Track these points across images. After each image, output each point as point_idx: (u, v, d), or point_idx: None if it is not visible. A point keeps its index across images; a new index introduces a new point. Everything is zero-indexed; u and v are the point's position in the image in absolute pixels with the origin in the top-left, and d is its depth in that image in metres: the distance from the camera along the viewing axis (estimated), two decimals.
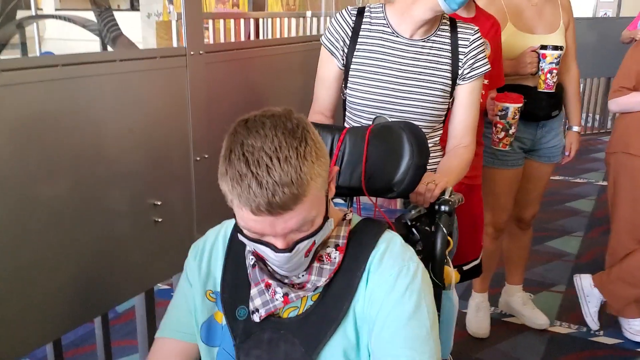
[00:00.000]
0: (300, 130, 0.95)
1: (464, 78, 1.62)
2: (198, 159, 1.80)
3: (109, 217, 1.55)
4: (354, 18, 1.62)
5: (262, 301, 1.08)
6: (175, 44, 2.96)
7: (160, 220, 1.69)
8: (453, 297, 1.44)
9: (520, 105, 2.08)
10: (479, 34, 1.64)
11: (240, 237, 1.02)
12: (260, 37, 4.69)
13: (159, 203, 1.68)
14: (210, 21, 4.42)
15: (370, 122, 1.61)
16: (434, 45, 1.61)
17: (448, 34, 1.62)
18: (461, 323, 2.70)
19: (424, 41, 1.60)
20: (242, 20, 4.43)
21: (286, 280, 1.08)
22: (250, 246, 1.04)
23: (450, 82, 1.62)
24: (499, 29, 2.21)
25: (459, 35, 1.61)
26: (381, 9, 1.63)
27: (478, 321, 2.68)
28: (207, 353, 1.16)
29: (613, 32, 5.02)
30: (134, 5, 14.35)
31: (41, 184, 1.36)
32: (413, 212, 1.45)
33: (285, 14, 5.09)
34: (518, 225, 2.72)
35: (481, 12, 2.17)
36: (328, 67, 1.66)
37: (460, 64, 1.61)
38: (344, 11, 1.63)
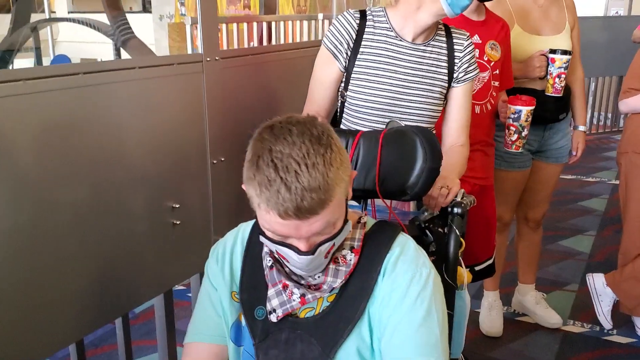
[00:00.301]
0: (325, 137, 0.98)
1: (458, 81, 1.68)
2: (214, 162, 1.84)
3: (129, 220, 1.59)
4: (358, 21, 1.63)
5: (279, 302, 1.11)
6: (189, 48, 3.02)
7: (178, 222, 1.73)
8: (465, 297, 1.47)
9: (532, 107, 2.10)
10: (470, 40, 1.69)
11: (263, 240, 1.06)
12: (273, 40, 4.73)
13: (177, 206, 1.72)
14: (224, 24, 4.47)
15: (372, 125, 1.63)
16: (434, 49, 1.65)
17: (444, 39, 1.67)
18: (474, 322, 2.72)
19: (424, 45, 1.64)
20: (254, 24, 4.47)
21: (303, 282, 1.11)
22: (272, 248, 1.07)
23: (446, 84, 1.67)
24: (508, 31, 2.23)
25: (454, 41, 1.67)
26: (383, 13, 1.65)
27: (491, 320, 2.70)
28: (234, 353, 1.20)
29: (624, 31, 5.00)
30: (146, 7, 14.46)
31: (63, 188, 1.40)
32: (426, 214, 1.48)
33: (297, 17, 5.13)
34: (528, 224, 2.74)
35: (491, 15, 2.20)
36: (328, 69, 1.66)
37: (455, 67, 1.66)
38: (346, 14, 1.65)
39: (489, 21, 2.17)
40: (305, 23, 4.71)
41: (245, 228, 1.25)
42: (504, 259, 2.78)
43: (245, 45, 4.46)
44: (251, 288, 1.17)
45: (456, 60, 1.66)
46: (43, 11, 7.82)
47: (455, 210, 1.44)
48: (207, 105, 1.79)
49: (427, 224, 1.47)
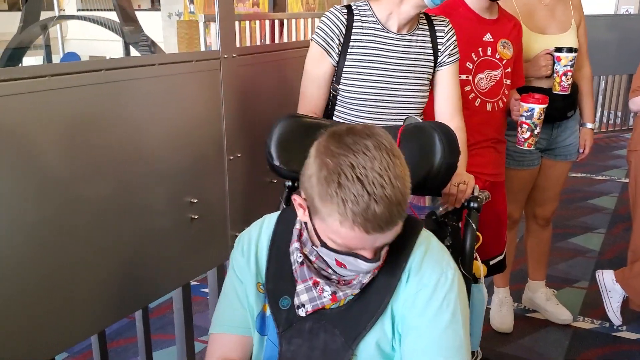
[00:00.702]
0: (395, 148, 1.00)
1: (443, 64, 1.74)
2: (231, 157, 1.86)
3: (149, 215, 1.62)
4: (345, 16, 1.67)
5: (308, 297, 1.13)
6: (202, 45, 3.04)
7: (196, 217, 1.76)
8: (483, 290, 1.49)
9: (545, 105, 2.11)
10: (450, 25, 1.77)
11: (322, 251, 1.07)
12: (284, 37, 4.76)
13: (195, 201, 1.74)
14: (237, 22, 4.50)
15: (365, 115, 1.68)
16: (419, 38, 1.72)
17: (427, 27, 1.74)
18: (485, 318, 2.73)
19: (410, 35, 1.71)
20: (267, 21, 4.50)
21: (333, 277, 1.13)
22: (332, 257, 1.07)
23: (432, 70, 1.74)
24: (520, 30, 2.24)
25: (436, 28, 1.74)
26: (367, 7, 1.70)
27: (502, 316, 2.72)
28: (259, 342, 1.22)
29: (635, 29, 5.00)
30: (154, 5, 14.48)
31: (85, 184, 1.43)
32: (441, 208, 1.50)
33: (308, 15, 5.16)
34: (537, 222, 2.75)
35: (504, 13, 2.21)
36: (321, 65, 1.68)
37: (439, 53, 1.74)
38: (334, 10, 1.69)
39: (501, 20, 2.19)
40: (316, 21, 4.73)
41: (270, 220, 1.27)
42: (514, 256, 2.79)
43: (258, 43, 4.49)
44: (277, 278, 1.19)
45: (439, 47, 1.73)
46: (52, 9, 7.87)
47: (472, 204, 1.47)
48: (224, 102, 1.81)
49: (442, 219, 1.50)
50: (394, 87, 1.68)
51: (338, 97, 1.71)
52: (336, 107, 1.73)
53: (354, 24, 1.67)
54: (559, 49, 2.29)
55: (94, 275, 1.47)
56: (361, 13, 1.69)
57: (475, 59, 2.12)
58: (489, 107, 2.16)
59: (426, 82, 1.73)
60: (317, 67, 1.69)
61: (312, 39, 1.71)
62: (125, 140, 1.53)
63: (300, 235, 1.17)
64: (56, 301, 1.38)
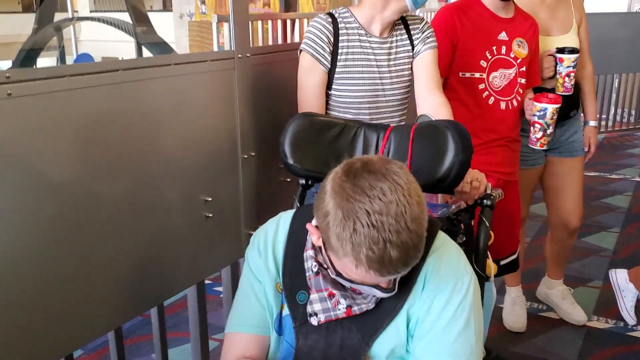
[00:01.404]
0: (411, 183, 0.99)
1: (420, 52, 1.81)
2: (245, 156, 1.88)
3: (164, 213, 1.64)
4: (331, 24, 1.72)
5: (322, 307, 1.14)
6: (215, 46, 3.06)
7: (210, 215, 1.77)
8: (492, 289, 1.50)
9: (558, 105, 2.11)
10: (425, 20, 1.86)
11: (340, 279, 1.07)
12: (295, 37, 4.78)
13: (209, 199, 1.76)
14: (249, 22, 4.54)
15: (360, 116, 1.73)
16: (399, 38, 1.80)
17: (402, 26, 1.81)
18: (498, 317, 2.73)
19: (390, 37, 1.78)
20: (279, 21, 4.52)
21: (348, 287, 1.13)
22: (346, 283, 1.07)
23: (412, 63, 1.82)
24: (536, 29, 2.24)
25: (411, 26, 1.82)
26: (348, 13, 1.76)
27: (515, 315, 2.71)
28: (275, 341, 1.23)
29: None
30: (166, 6, 14.55)
31: (101, 182, 1.45)
32: (454, 206, 1.51)
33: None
34: (566, 232, 2.68)
35: (520, 12, 2.21)
36: (316, 75, 1.73)
37: (415, 47, 1.81)
38: (320, 20, 1.73)
39: (517, 18, 2.18)
40: None
41: (285, 218, 1.28)
42: (523, 256, 2.78)
43: (270, 43, 4.51)
44: (294, 273, 1.20)
45: (415, 42, 1.81)
46: (66, 11, 7.93)
47: (485, 202, 1.47)
48: (239, 101, 1.83)
49: (455, 216, 1.50)
50: (384, 88, 1.76)
51: (330, 101, 1.76)
52: (328, 111, 1.77)
53: (340, 31, 1.72)
54: (560, 50, 2.29)
55: (110, 272, 1.49)
56: (344, 20, 1.74)
57: (490, 57, 2.12)
58: (502, 105, 2.16)
59: (410, 77, 1.82)
60: (311, 76, 1.73)
61: (302, 50, 1.74)
62: (141, 140, 1.54)
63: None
64: (73, 298, 1.40)
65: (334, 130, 1.48)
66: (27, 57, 6.77)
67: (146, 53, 6.39)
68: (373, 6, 1.73)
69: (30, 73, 1.27)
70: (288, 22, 4.81)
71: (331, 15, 1.74)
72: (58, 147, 1.34)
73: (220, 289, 2.80)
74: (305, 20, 4.73)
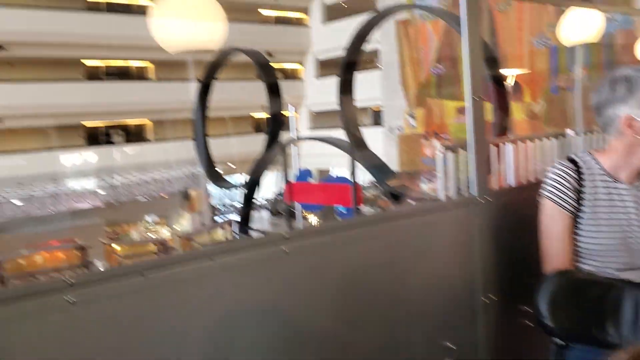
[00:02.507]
0: None
1: None
2: (487, 301, 1.85)
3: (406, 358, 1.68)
4: (575, 170, 1.71)
5: None
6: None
7: None
8: None
9: None
10: None
11: None
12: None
13: (453, 347, 1.75)
14: None
15: (607, 265, 1.65)
16: None
17: None
18: None
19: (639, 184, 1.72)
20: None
21: None
22: None
23: None
24: None
25: None
26: (591, 159, 1.74)
27: None
28: None
29: None
30: (377, 121, 15.55)
31: (352, 326, 1.56)
32: None
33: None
34: None
35: None
36: (561, 221, 1.70)
37: None
38: (561, 165, 1.73)
39: None
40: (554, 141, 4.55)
41: None
42: None
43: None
44: None
45: None
46: (289, 130, 8.78)
47: None
48: (479, 245, 1.84)
49: None
50: (632, 236, 1.68)
51: (575, 248, 1.71)
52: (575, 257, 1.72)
53: (582, 176, 1.71)
54: None
55: None
56: (586, 165, 1.73)
57: None
58: None
59: None
60: (557, 223, 1.71)
61: (543, 196, 1.73)
62: (388, 286, 1.64)
63: None
64: None
65: (596, 290, 1.41)
66: (256, 171, 7.54)
67: (360, 167, 6.74)
68: (618, 152, 1.70)
69: (303, 232, 1.44)
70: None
71: (572, 160, 1.74)
72: (321, 298, 1.46)
73: None
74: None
